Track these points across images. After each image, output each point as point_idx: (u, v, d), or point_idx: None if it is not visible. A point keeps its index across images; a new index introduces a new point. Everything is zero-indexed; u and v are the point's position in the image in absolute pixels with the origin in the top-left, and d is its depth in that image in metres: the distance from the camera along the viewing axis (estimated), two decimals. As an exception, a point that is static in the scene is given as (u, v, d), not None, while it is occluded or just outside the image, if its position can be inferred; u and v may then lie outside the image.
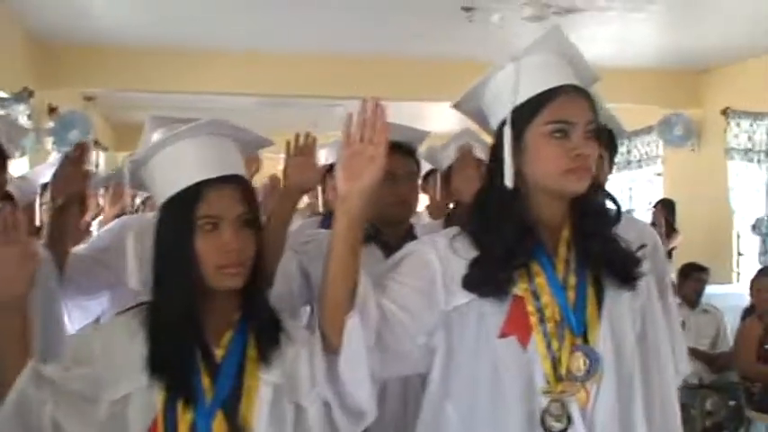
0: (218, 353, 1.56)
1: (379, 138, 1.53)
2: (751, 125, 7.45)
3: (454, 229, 1.71)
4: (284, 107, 8.92)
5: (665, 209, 8.02)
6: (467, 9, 5.79)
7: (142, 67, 7.33)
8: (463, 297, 1.61)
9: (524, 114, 1.61)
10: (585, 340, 1.61)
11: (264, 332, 1.59)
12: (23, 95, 6.63)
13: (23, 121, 6.51)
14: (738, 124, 7.50)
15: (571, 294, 1.62)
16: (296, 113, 8.26)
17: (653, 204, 8.39)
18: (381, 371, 1.60)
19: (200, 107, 8.82)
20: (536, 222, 1.65)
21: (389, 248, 2.25)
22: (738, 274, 7.80)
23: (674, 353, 2.65)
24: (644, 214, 8.88)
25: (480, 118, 1.76)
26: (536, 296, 1.61)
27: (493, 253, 1.61)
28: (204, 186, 1.54)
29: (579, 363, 1.59)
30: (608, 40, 6.86)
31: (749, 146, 7.48)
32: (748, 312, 5.66)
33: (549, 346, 1.59)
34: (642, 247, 1.73)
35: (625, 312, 1.67)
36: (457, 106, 1.79)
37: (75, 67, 7.28)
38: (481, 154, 2.69)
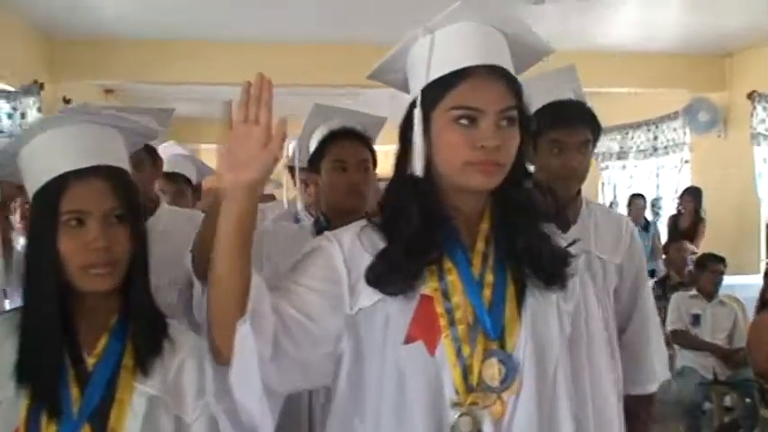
0: (90, 361, 1.43)
1: (264, 114, 1.32)
2: (778, 109, 7.12)
3: (362, 222, 1.52)
4: (306, 96, 8.68)
5: (692, 197, 7.78)
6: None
7: (152, 59, 7.31)
8: (369, 298, 1.43)
9: (430, 96, 1.42)
10: (503, 346, 1.42)
11: (144, 338, 1.45)
12: (33, 88, 6.63)
13: (34, 113, 6.51)
14: (765, 108, 7.16)
15: (487, 293, 1.43)
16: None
17: (678, 194, 8.15)
18: (280, 384, 1.40)
19: (218, 99, 8.75)
20: (450, 212, 1.47)
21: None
22: (767, 263, 7.49)
23: (646, 356, 2.50)
24: (671, 202, 8.65)
25: (407, 90, 1.56)
26: (446, 296, 1.42)
27: (399, 244, 1.43)
28: (69, 178, 1.40)
29: (493, 371, 1.40)
30: (630, 24, 6.62)
31: (776, 130, 7.15)
32: (764, 305, 5.29)
33: (459, 351, 1.40)
34: (574, 242, 1.56)
35: (551, 315, 1.48)
36: (372, 77, 1.59)
37: (84, 60, 7.28)
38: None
